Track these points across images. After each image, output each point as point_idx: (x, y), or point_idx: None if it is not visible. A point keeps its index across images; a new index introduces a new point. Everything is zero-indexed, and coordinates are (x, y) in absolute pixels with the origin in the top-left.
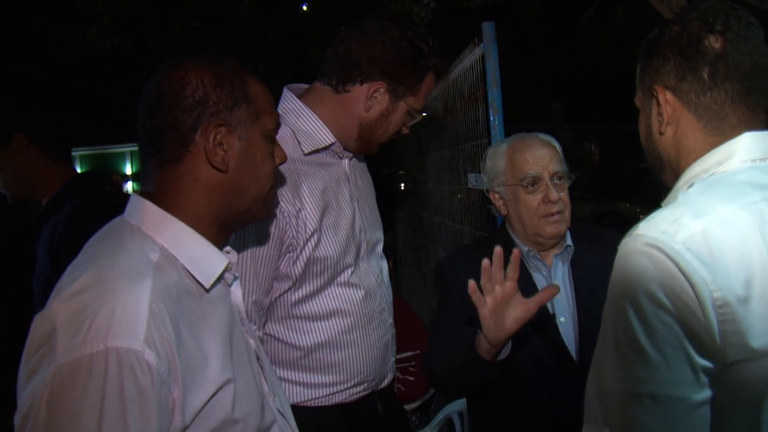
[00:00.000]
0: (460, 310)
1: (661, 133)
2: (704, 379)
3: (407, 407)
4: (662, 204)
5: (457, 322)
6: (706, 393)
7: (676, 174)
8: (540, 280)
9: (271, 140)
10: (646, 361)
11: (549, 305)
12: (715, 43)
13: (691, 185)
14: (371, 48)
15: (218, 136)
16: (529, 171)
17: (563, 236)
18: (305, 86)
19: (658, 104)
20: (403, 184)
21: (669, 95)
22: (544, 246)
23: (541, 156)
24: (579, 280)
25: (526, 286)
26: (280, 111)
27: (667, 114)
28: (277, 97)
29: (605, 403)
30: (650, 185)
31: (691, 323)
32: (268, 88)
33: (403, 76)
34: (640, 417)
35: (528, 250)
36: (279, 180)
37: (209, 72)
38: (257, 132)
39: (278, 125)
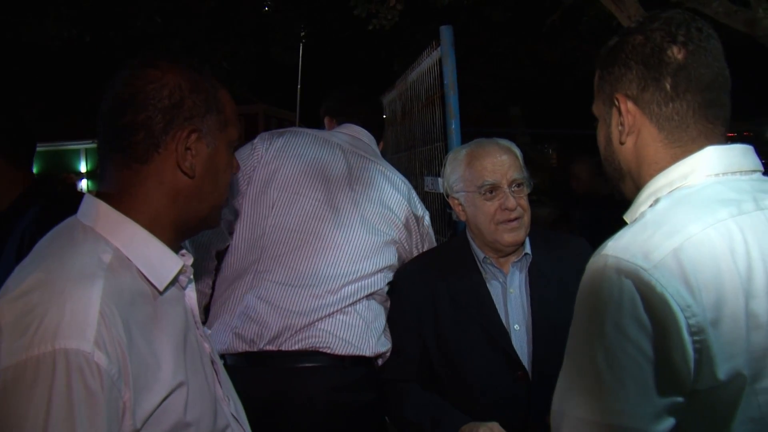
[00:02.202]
0: (413, 328)
1: (621, 143)
2: (667, 411)
3: None
4: (624, 217)
5: (413, 352)
6: (668, 423)
7: (637, 184)
8: (496, 288)
9: (232, 151)
10: (605, 391)
11: (503, 313)
12: (678, 53)
13: (656, 201)
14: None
15: (189, 142)
16: (487, 178)
17: (522, 243)
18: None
19: (619, 113)
20: None
21: (630, 105)
22: (503, 252)
23: (500, 163)
24: (535, 289)
25: (481, 294)
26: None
27: (628, 124)
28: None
29: (560, 423)
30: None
31: (664, 354)
32: (230, 91)
33: None
34: None
35: (485, 258)
36: (232, 191)
37: (187, 76)
38: (223, 141)
39: (240, 136)
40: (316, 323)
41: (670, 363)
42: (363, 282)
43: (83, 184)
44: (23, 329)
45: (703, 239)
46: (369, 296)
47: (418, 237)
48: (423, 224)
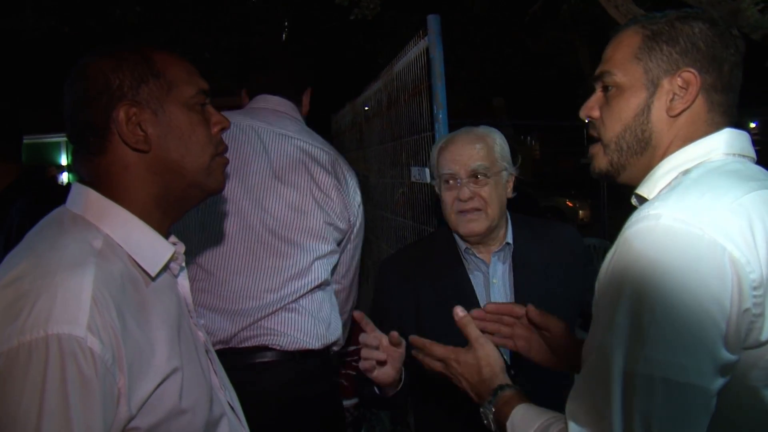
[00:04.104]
0: (393, 320)
1: (671, 116)
2: (723, 369)
3: (348, 402)
4: (637, 191)
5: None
6: (721, 382)
7: (654, 159)
8: (479, 279)
9: (198, 108)
10: (665, 345)
11: (485, 304)
12: (735, 52)
13: (686, 171)
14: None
15: (133, 118)
16: (445, 168)
17: (482, 234)
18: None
19: (680, 85)
20: None
21: (695, 82)
22: (470, 242)
23: (459, 154)
24: (519, 278)
25: (463, 285)
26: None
27: (688, 99)
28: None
29: (610, 387)
30: (589, 181)
31: (726, 309)
32: (212, 83)
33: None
34: (650, 401)
35: (466, 248)
36: (223, 148)
37: (108, 59)
38: (175, 103)
39: (201, 91)
40: (260, 322)
41: (730, 319)
42: (306, 278)
43: (64, 176)
44: (14, 315)
45: (748, 202)
46: (313, 289)
47: (346, 204)
48: (350, 190)
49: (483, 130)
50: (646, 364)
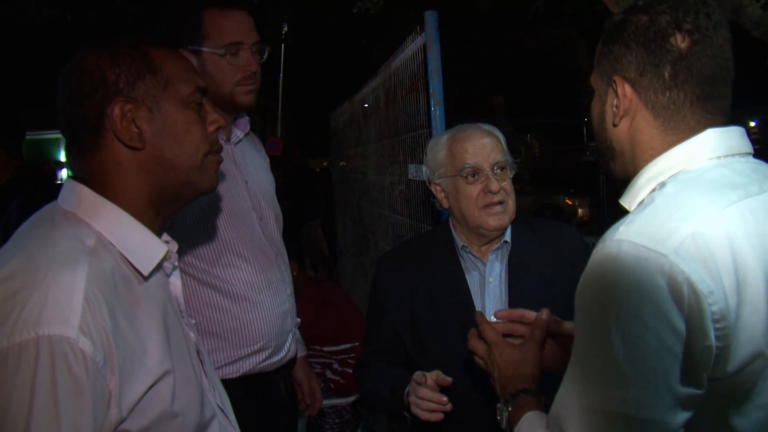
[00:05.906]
0: (388, 321)
1: (614, 125)
2: (685, 403)
3: (346, 400)
4: (621, 201)
5: (387, 341)
6: (686, 415)
7: (630, 166)
8: (475, 278)
9: (194, 106)
10: (622, 382)
11: (480, 304)
12: (681, 42)
13: (662, 184)
14: (163, 29)
15: (128, 114)
16: (468, 161)
17: (506, 228)
18: None
19: (615, 95)
20: (333, 175)
21: (627, 88)
22: (486, 238)
23: (481, 146)
24: (514, 278)
25: (458, 285)
26: None
27: (624, 107)
28: None
29: (570, 416)
30: (588, 179)
31: (686, 343)
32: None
33: (186, 33)
34: None
35: (463, 246)
36: (218, 147)
37: (104, 53)
38: (170, 101)
39: (199, 89)
40: None
41: (691, 352)
42: None
43: (63, 173)
44: (5, 315)
45: (718, 222)
46: None
47: None
48: None
49: (488, 126)
50: (605, 401)
